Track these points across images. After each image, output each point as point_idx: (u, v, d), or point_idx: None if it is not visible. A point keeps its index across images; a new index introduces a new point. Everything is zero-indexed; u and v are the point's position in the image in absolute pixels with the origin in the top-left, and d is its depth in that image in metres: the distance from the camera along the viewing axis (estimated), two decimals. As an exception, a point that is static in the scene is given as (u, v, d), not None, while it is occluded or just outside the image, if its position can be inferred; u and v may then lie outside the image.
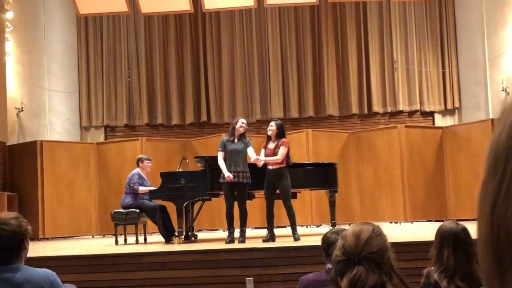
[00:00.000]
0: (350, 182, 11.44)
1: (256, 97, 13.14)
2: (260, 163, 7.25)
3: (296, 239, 7.14)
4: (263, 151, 7.44)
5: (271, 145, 7.38)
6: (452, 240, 3.10)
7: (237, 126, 7.51)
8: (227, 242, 7.20)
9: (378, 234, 1.95)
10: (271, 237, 7.26)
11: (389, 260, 1.91)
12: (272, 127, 7.41)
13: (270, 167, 7.26)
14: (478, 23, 12.07)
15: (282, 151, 7.23)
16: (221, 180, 7.37)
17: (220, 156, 7.47)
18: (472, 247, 3.11)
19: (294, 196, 7.87)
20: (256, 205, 10.61)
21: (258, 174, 8.09)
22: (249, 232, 10.74)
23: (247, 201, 8.60)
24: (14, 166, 11.13)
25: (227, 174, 7.28)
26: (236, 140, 7.48)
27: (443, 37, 12.98)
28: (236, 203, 7.45)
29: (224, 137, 7.68)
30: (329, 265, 3.13)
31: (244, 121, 7.70)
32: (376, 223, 2.06)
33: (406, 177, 10.99)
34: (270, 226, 7.35)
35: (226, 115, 13.01)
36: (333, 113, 13.04)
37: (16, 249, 2.67)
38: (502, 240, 0.61)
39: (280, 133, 7.41)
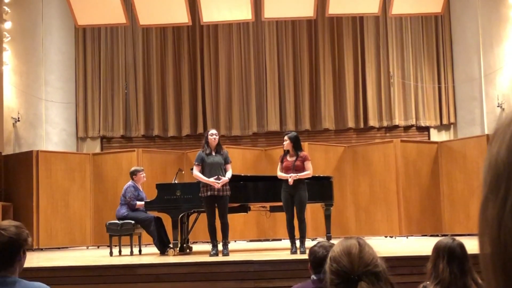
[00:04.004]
0: (346, 196, 11.45)
1: (252, 110, 13.17)
2: (291, 181, 7.24)
3: (302, 252, 7.15)
4: (279, 165, 7.45)
5: (290, 158, 7.41)
6: (447, 254, 3.13)
7: (208, 139, 7.55)
8: (211, 255, 7.20)
9: (364, 245, 1.97)
10: (296, 249, 7.29)
11: (382, 267, 1.92)
12: (286, 141, 7.41)
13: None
14: (474, 39, 12.15)
15: (309, 166, 7.35)
16: (201, 195, 7.41)
17: (196, 169, 7.51)
18: (468, 262, 3.12)
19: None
20: (251, 218, 10.62)
21: (254, 187, 8.10)
22: (244, 245, 10.74)
23: (243, 214, 8.63)
24: (10, 176, 11.10)
25: (211, 180, 7.31)
26: (213, 153, 7.52)
27: (439, 53, 13.05)
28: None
29: (201, 151, 7.69)
30: (314, 276, 3.18)
31: (214, 131, 7.70)
32: (365, 237, 2.07)
33: (402, 192, 11.00)
34: (293, 239, 7.37)
35: (223, 128, 13.02)
36: (329, 126, 13.07)
37: (10, 258, 2.58)
38: (510, 255, 0.62)
39: (297, 145, 7.45)
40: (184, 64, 13.36)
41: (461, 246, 3.19)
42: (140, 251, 8.69)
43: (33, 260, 7.59)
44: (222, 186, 7.38)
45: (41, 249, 10.71)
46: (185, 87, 13.31)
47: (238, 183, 7.83)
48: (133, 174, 8.70)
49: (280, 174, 7.36)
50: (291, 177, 7.23)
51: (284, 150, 7.50)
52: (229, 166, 7.53)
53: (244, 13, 10.81)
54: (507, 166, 0.63)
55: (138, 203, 8.35)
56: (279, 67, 13.26)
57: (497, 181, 0.64)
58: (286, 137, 7.47)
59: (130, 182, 8.59)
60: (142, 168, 8.94)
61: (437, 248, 3.20)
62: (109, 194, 11.20)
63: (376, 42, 13.17)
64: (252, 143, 13.08)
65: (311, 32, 13.30)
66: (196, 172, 7.52)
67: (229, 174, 7.47)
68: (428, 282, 3.18)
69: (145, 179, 8.79)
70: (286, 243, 7.93)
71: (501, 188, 0.63)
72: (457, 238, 3.34)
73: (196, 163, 7.57)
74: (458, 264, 3.10)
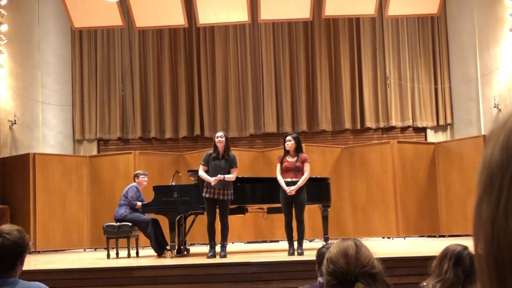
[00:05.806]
0: (343, 197, 11.45)
1: (249, 111, 13.17)
2: (293, 193, 7.24)
3: (300, 253, 7.16)
4: (278, 166, 7.42)
5: (291, 159, 7.39)
6: (455, 257, 3.10)
7: (215, 141, 7.55)
8: (208, 257, 7.20)
9: (361, 246, 1.97)
10: (294, 251, 7.28)
11: (379, 268, 1.92)
12: (290, 141, 7.40)
13: (289, 180, 7.28)
14: (471, 40, 12.18)
15: (308, 168, 7.34)
16: (204, 195, 7.40)
17: (201, 169, 7.53)
18: (474, 274, 3.08)
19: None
20: (248, 219, 10.62)
21: (251, 188, 8.10)
22: (242, 246, 10.74)
23: (240, 215, 8.63)
24: (6, 179, 11.08)
25: (212, 179, 7.32)
26: (220, 156, 7.50)
27: (436, 54, 13.07)
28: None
29: (209, 151, 7.69)
30: (320, 279, 3.15)
31: (219, 134, 7.67)
32: (362, 238, 2.08)
33: (399, 193, 11.01)
34: (291, 240, 7.36)
35: (220, 129, 12.97)
36: (326, 128, 13.08)
37: (13, 261, 2.65)
38: (503, 254, 0.62)
39: (299, 147, 7.44)
40: (181, 66, 13.36)
41: (471, 258, 3.16)
42: (137, 253, 8.67)
43: (30, 262, 7.58)
44: (224, 190, 7.37)
45: (38, 252, 10.69)
46: (182, 89, 13.31)
47: (235, 184, 7.82)
48: (135, 176, 8.82)
49: (281, 184, 7.31)
50: (290, 191, 7.21)
51: (284, 151, 7.49)
52: (233, 170, 7.50)
53: (241, 15, 10.82)
54: (500, 166, 0.64)
55: (139, 203, 8.37)
56: (275, 69, 13.27)
57: (491, 181, 0.65)
58: (290, 137, 7.46)
59: (133, 183, 8.66)
60: (146, 173, 8.98)
61: (446, 250, 3.18)
62: (106, 196, 11.19)
63: (373, 43, 13.19)
64: (249, 144, 13.09)
65: (307, 33, 13.31)
66: (200, 172, 7.53)
67: (229, 176, 7.45)
68: (426, 283, 3.16)
69: (145, 183, 8.81)
70: (284, 244, 7.93)
71: (494, 189, 0.64)
72: (453, 238, 3.33)
73: (202, 162, 7.58)
74: (464, 269, 3.07)
